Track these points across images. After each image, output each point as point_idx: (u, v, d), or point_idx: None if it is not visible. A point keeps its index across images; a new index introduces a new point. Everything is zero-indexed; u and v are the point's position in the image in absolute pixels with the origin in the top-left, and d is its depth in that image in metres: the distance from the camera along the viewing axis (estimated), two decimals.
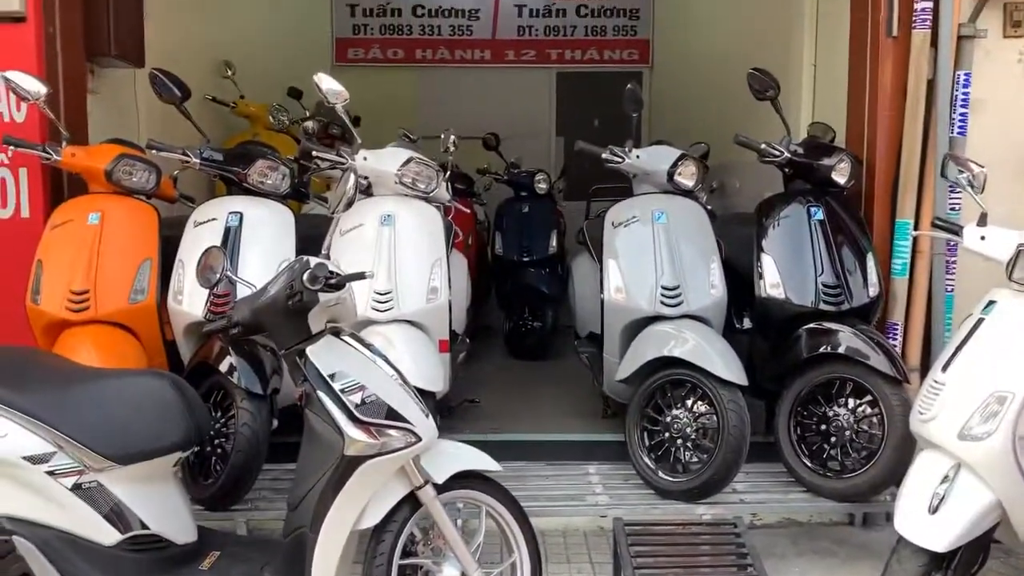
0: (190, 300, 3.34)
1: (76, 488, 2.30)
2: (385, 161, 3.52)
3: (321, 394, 2.35)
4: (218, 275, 2.67)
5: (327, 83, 3.32)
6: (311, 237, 3.75)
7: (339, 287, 2.38)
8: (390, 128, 8.83)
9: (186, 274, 3.39)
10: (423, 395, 3.13)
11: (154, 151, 3.47)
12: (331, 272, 2.35)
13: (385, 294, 3.37)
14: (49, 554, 2.23)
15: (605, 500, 3.31)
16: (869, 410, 3.26)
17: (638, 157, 3.67)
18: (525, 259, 5.89)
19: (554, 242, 5.95)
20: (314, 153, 3.47)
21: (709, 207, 3.78)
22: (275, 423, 3.25)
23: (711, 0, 8.02)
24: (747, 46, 6.47)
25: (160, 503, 2.46)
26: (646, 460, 3.35)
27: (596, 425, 4.23)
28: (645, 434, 3.39)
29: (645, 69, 10.03)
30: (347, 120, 3.45)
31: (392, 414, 2.38)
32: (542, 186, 6.11)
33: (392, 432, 2.36)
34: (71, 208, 3.44)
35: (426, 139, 9.28)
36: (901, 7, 3.48)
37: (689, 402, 3.32)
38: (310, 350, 2.40)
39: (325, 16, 9.72)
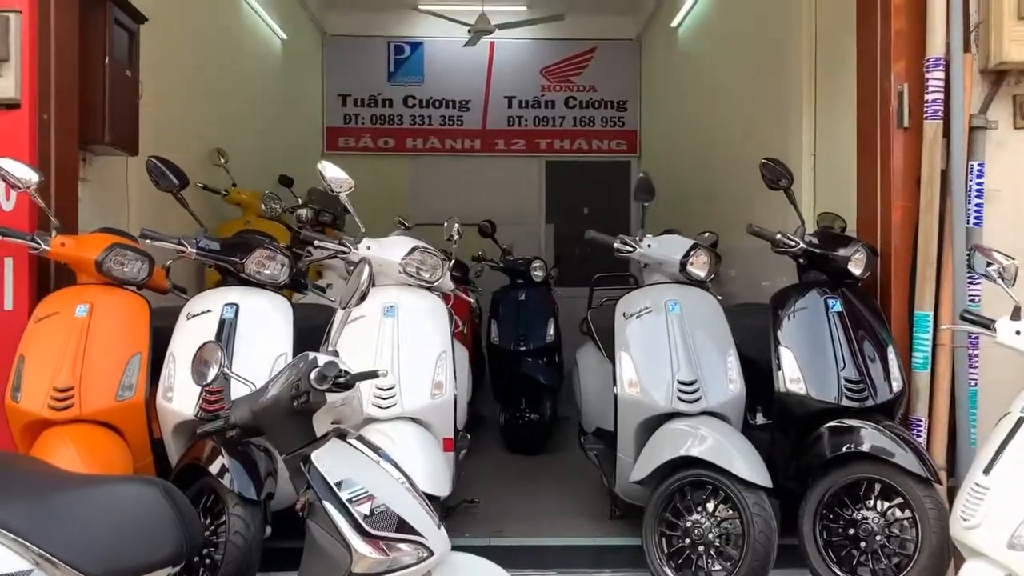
0: (181, 397, 3.16)
1: None
2: (389, 250, 3.41)
3: (327, 504, 2.15)
4: (214, 372, 2.51)
5: (331, 171, 3.23)
6: (306, 328, 3.62)
7: (348, 387, 2.22)
8: (381, 215, 8.79)
9: (177, 369, 3.22)
10: (428, 500, 2.98)
11: (148, 241, 3.33)
12: (341, 371, 2.20)
13: (387, 389, 3.20)
14: None
15: None
16: (900, 513, 3.08)
17: (649, 246, 3.58)
18: (522, 348, 5.73)
19: (551, 330, 5.80)
20: (316, 243, 3.35)
21: (719, 297, 3.66)
22: (269, 530, 3.02)
23: (699, 92, 8.16)
24: (737, 135, 6.53)
25: None
26: (666, 569, 3.14)
27: (605, 527, 4.00)
28: (664, 540, 3.18)
29: (633, 159, 10.15)
30: (351, 208, 3.35)
31: (403, 526, 2.19)
32: (539, 273, 6.02)
33: (403, 547, 2.16)
34: (58, 300, 3.28)
35: (419, 226, 9.33)
36: (911, 99, 3.47)
37: (711, 505, 3.13)
38: (315, 456, 2.22)
39: (316, 105, 9.81)
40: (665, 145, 9.31)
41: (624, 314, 3.51)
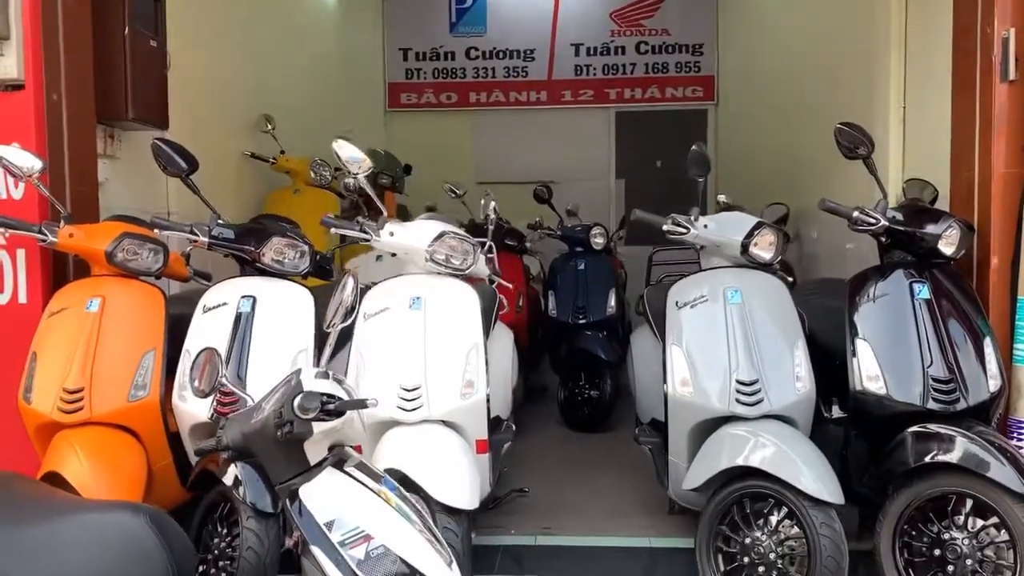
0: (195, 398, 2.96)
1: None
2: (414, 236, 3.11)
3: (315, 548, 1.91)
4: (212, 383, 2.30)
5: (346, 151, 2.94)
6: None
7: (339, 414, 1.96)
8: (445, 174, 8.54)
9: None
10: (456, 513, 2.73)
11: (158, 230, 3.13)
12: (326, 397, 1.93)
13: (413, 390, 2.93)
14: None
15: None
16: (995, 533, 2.67)
17: (706, 227, 3.17)
18: (581, 321, 5.38)
19: (613, 302, 5.42)
20: (333, 230, 3.07)
21: (791, 279, 3.23)
22: (287, 542, 2.82)
23: (782, 33, 7.53)
24: (823, 80, 5.93)
25: None
26: None
27: (662, 525, 3.67)
28: (719, 557, 2.85)
29: (710, 106, 9.56)
30: (370, 190, 3.06)
31: (406, 568, 1.93)
32: (599, 240, 5.61)
33: None
34: (69, 293, 3.11)
35: (483, 184, 9.04)
36: (1018, 47, 2.94)
37: (773, 520, 2.78)
38: (303, 491, 1.98)
39: (377, 61, 9.52)
40: (746, 91, 8.69)
41: (677, 303, 3.12)
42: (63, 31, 3.25)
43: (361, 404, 1.97)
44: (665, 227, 3.17)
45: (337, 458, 2.07)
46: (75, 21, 3.34)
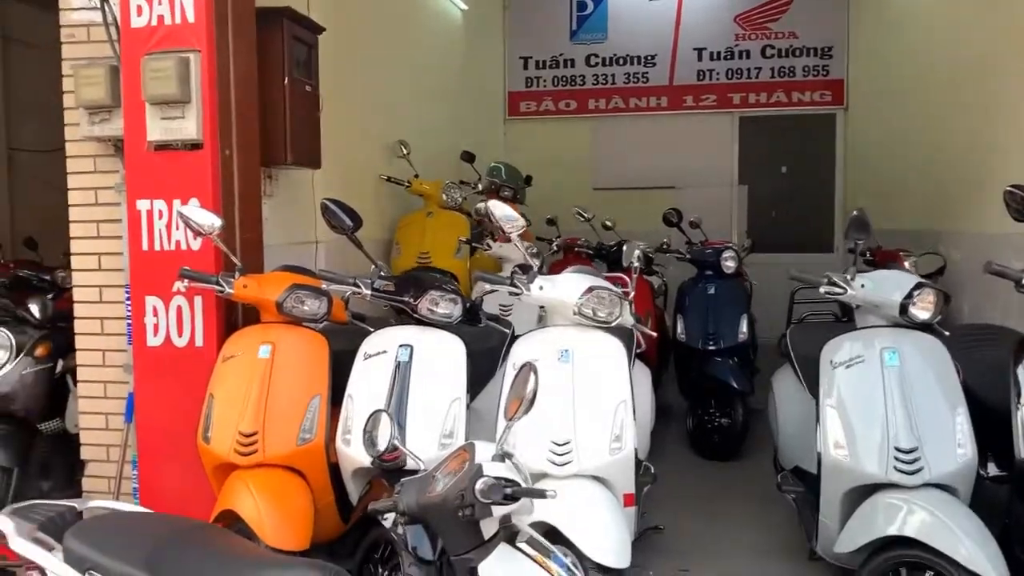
0: (358, 444, 3.12)
1: None
2: (563, 290, 3.18)
3: None
4: (385, 444, 2.45)
5: (500, 211, 3.05)
6: (481, 351, 3.50)
7: (515, 499, 2.05)
8: (563, 184, 8.62)
9: (355, 412, 3.21)
10: (608, 571, 2.79)
11: (325, 282, 3.32)
12: (506, 483, 2.03)
13: (563, 444, 3.01)
14: None
15: None
16: None
17: (863, 286, 3.10)
18: (711, 347, 5.34)
19: (744, 328, 5.35)
20: (487, 288, 3.18)
21: (947, 332, 3.13)
22: None
23: (922, 30, 7.19)
24: (973, 80, 5.63)
25: None
26: None
27: (802, 570, 3.64)
28: None
29: (839, 111, 9.28)
30: (522, 249, 3.17)
31: None
32: (730, 264, 5.54)
33: None
34: (242, 339, 3.35)
35: (598, 191, 9.05)
36: None
37: None
38: (482, 568, 2.08)
39: (498, 71, 9.65)
40: (879, 94, 8.37)
41: (832, 362, 3.08)
42: (235, 94, 3.47)
43: (540, 494, 2.05)
44: (823, 289, 3.13)
45: (509, 533, 2.17)
46: (245, 82, 3.56)
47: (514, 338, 3.56)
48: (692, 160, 9.35)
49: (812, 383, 3.43)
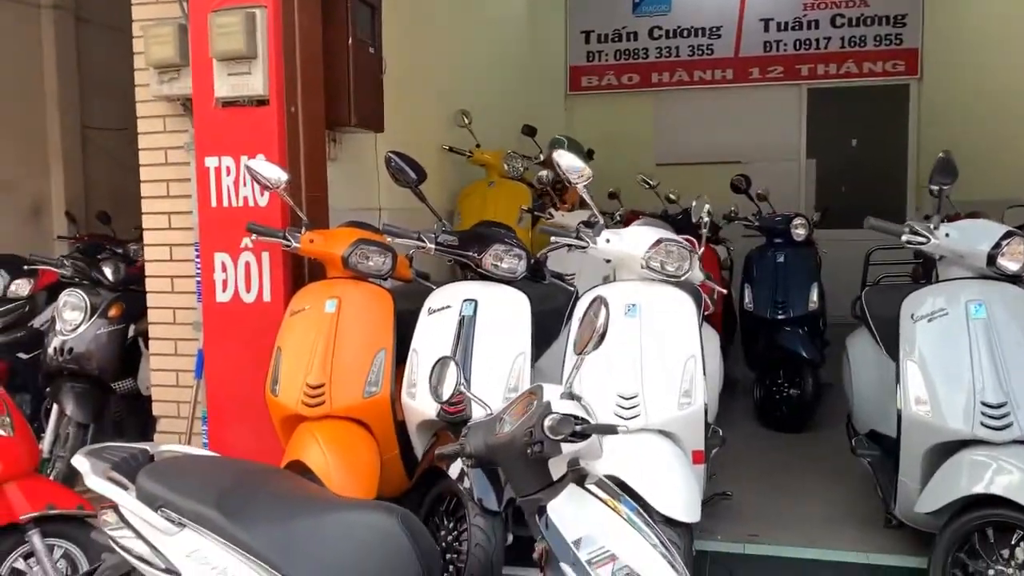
0: (423, 396, 3.13)
1: None
2: (630, 243, 3.11)
3: (564, 566, 1.97)
4: (450, 390, 2.42)
5: (567, 160, 2.98)
6: (546, 312, 3.46)
7: (585, 437, 2.00)
8: (625, 159, 8.49)
9: (419, 366, 3.20)
10: (677, 525, 2.73)
11: (389, 236, 3.31)
12: (576, 419, 1.98)
13: (630, 398, 2.95)
14: None
15: None
16: None
17: (947, 235, 2.96)
18: (780, 316, 5.19)
19: (815, 297, 5.19)
20: (552, 239, 3.12)
21: None
22: (511, 538, 2.94)
23: None
24: None
25: None
26: None
27: (879, 539, 3.51)
28: None
29: (912, 81, 8.94)
30: (588, 199, 3.09)
31: None
32: (800, 232, 5.37)
33: None
34: (308, 294, 3.36)
35: (661, 166, 8.89)
36: None
37: (1020, 554, 2.59)
38: (551, 507, 2.04)
39: (559, 46, 9.55)
40: (956, 63, 8.04)
41: (912, 316, 2.95)
42: (299, 51, 3.48)
43: (610, 430, 2.00)
44: (904, 237, 2.99)
45: (578, 475, 2.12)
46: (310, 39, 3.57)
47: (578, 299, 3.51)
48: (758, 134, 9.13)
49: (889, 343, 3.30)
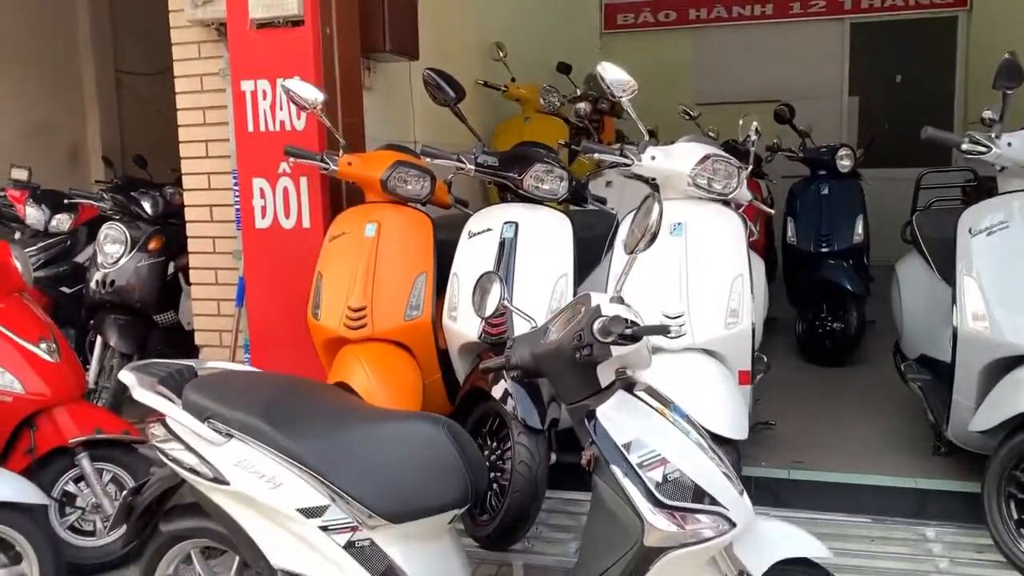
0: (465, 319, 3.10)
1: (349, 546, 2.10)
2: (677, 160, 3.03)
3: (615, 468, 1.94)
4: (493, 305, 2.38)
5: (611, 73, 2.90)
6: (587, 239, 3.40)
7: (636, 339, 1.95)
8: (663, 98, 8.29)
9: (460, 289, 3.16)
10: (724, 443, 2.69)
11: (427, 158, 3.25)
12: (627, 322, 1.93)
13: (676, 317, 2.90)
14: None
15: None
16: None
17: (1009, 145, 2.83)
18: (824, 250, 5.08)
19: (860, 230, 5.06)
20: (595, 156, 3.05)
21: None
22: (554, 457, 2.93)
23: None
24: None
25: (435, 563, 2.21)
26: (1014, 536, 2.61)
27: (927, 466, 3.46)
28: (1012, 504, 2.64)
29: (961, 12, 8.61)
30: (632, 113, 3.00)
31: (699, 494, 1.92)
32: (845, 163, 5.23)
33: (701, 518, 1.91)
34: (348, 219, 3.33)
35: (700, 105, 8.69)
36: None
37: None
38: (600, 411, 2.00)
39: None
40: None
41: (971, 230, 2.84)
42: None
43: (663, 330, 1.95)
44: (964, 146, 2.86)
45: (627, 382, 2.08)
46: None
47: (619, 225, 3.44)
48: (799, 71, 8.88)
49: (942, 265, 3.21)
